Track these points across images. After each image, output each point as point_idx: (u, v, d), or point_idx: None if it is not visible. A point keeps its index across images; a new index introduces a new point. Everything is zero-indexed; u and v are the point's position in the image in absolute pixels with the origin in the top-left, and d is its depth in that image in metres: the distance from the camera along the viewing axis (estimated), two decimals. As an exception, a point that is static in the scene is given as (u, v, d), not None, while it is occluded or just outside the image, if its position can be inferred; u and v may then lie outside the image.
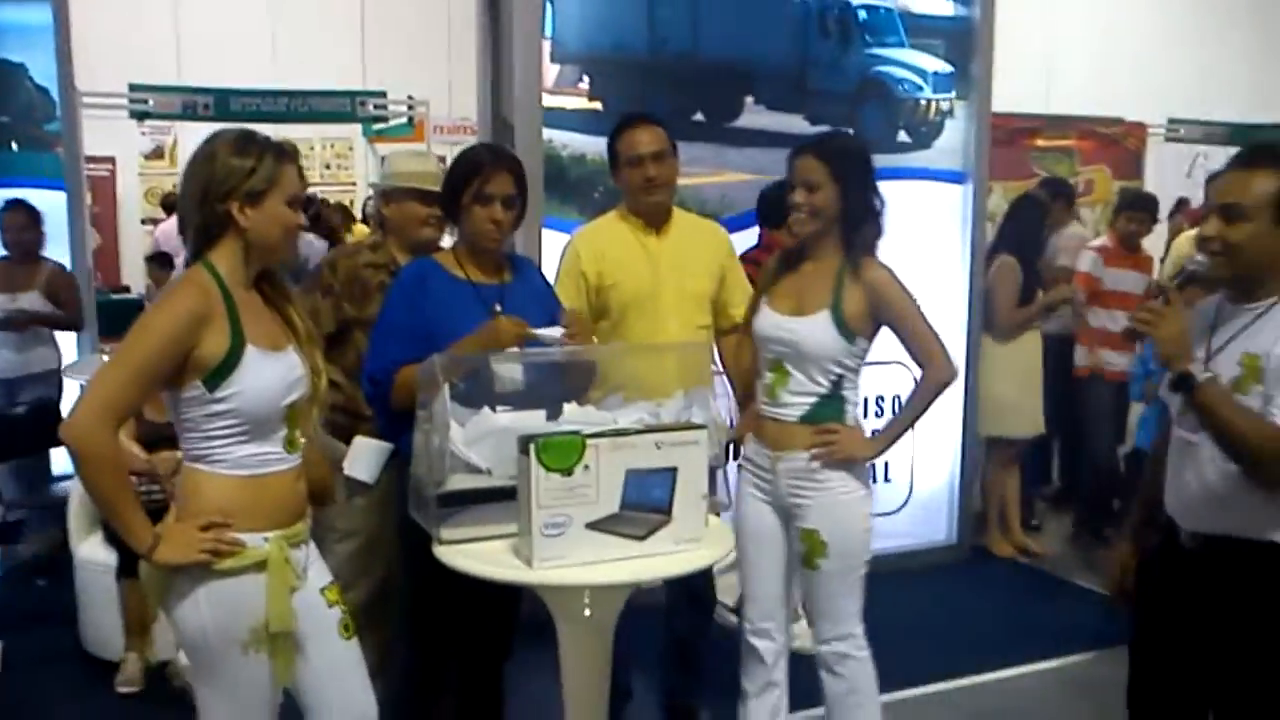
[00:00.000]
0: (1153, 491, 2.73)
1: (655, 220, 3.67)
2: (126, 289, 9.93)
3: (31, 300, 5.88)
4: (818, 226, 3.06)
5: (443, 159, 6.99)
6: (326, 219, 7.90)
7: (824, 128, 5.06)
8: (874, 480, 5.27)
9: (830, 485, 3.09)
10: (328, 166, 10.07)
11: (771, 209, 4.24)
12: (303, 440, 2.52)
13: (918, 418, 3.20)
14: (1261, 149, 2.50)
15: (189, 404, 2.36)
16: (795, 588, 3.33)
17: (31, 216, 6.00)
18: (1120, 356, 5.80)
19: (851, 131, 5.16)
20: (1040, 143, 10.64)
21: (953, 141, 5.54)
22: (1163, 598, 2.65)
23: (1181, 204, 10.40)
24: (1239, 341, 2.48)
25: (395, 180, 3.62)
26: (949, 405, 5.39)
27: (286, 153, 2.46)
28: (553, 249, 4.23)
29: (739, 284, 3.75)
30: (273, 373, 2.40)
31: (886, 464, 5.49)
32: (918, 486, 5.66)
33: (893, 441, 3.21)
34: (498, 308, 3.06)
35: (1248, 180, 2.43)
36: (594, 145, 4.75)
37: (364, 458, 3.47)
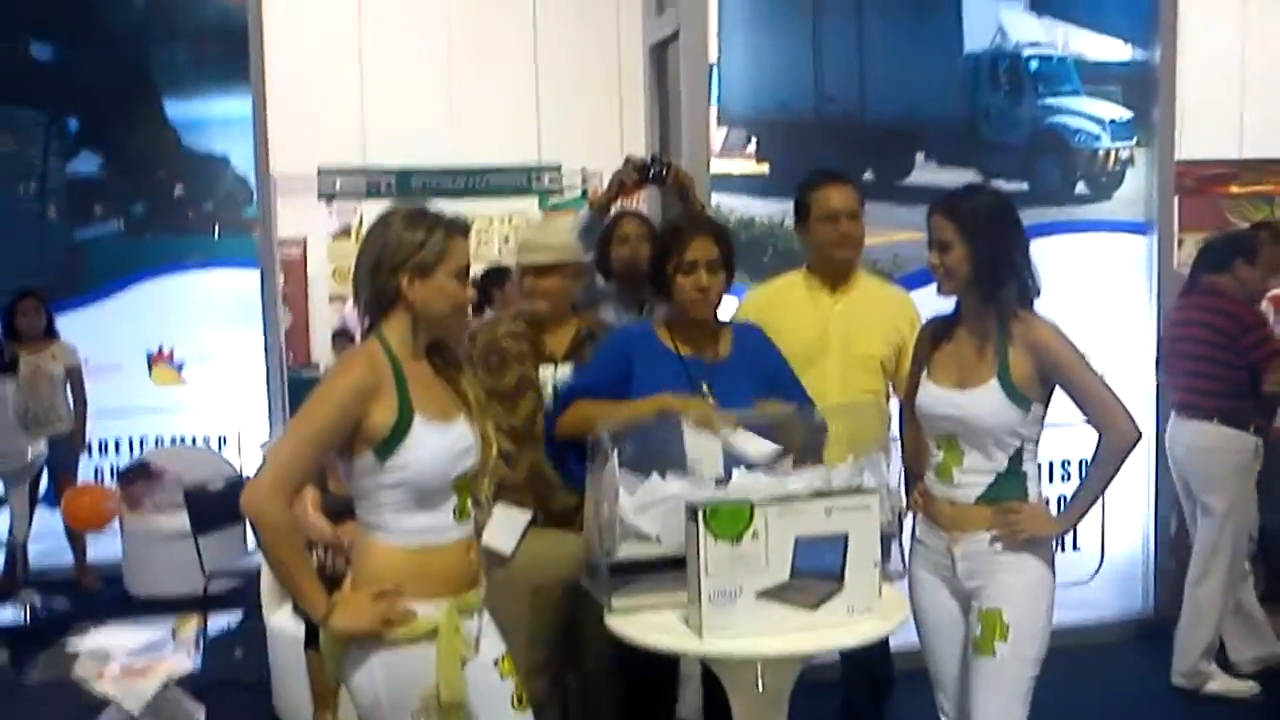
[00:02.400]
0: None
1: (837, 279, 3.63)
2: (316, 366, 10.34)
3: None
4: (954, 288, 2.91)
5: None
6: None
7: (999, 182, 4.96)
8: (1061, 549, 5.07)
9: (1014, 565, 2.87)
10: (506, 240, 10.31)
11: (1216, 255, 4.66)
12: (474, 509, 2.55)
13: (1105, 486, 2.97)
14: None
15: (361, 473, 2.42)
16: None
17: None
18: None
19: (1026, 185, 5.04)
20: (1235, 189, 10.16)
21: (1135, 191, 5.32)
22: None
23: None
24: None
25: (518, 254, 3.59)
26: (1138, 466, 5.14)
27: (458, 227, 2.50)
28: (724, 315, 4.22)
29: None
30: (441, 443, 2.43)
31: (1076, 531, 5.25)
32: (1109, 554, 5.40)
33: (1080, 515, 3.02)
34: (704, 388, 3.03)
35: None
36: (762, 208, 4.76)
37: (504, 527, 3.41)
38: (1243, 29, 11.40)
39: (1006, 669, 2.86)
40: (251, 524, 2.37)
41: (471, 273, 2.60)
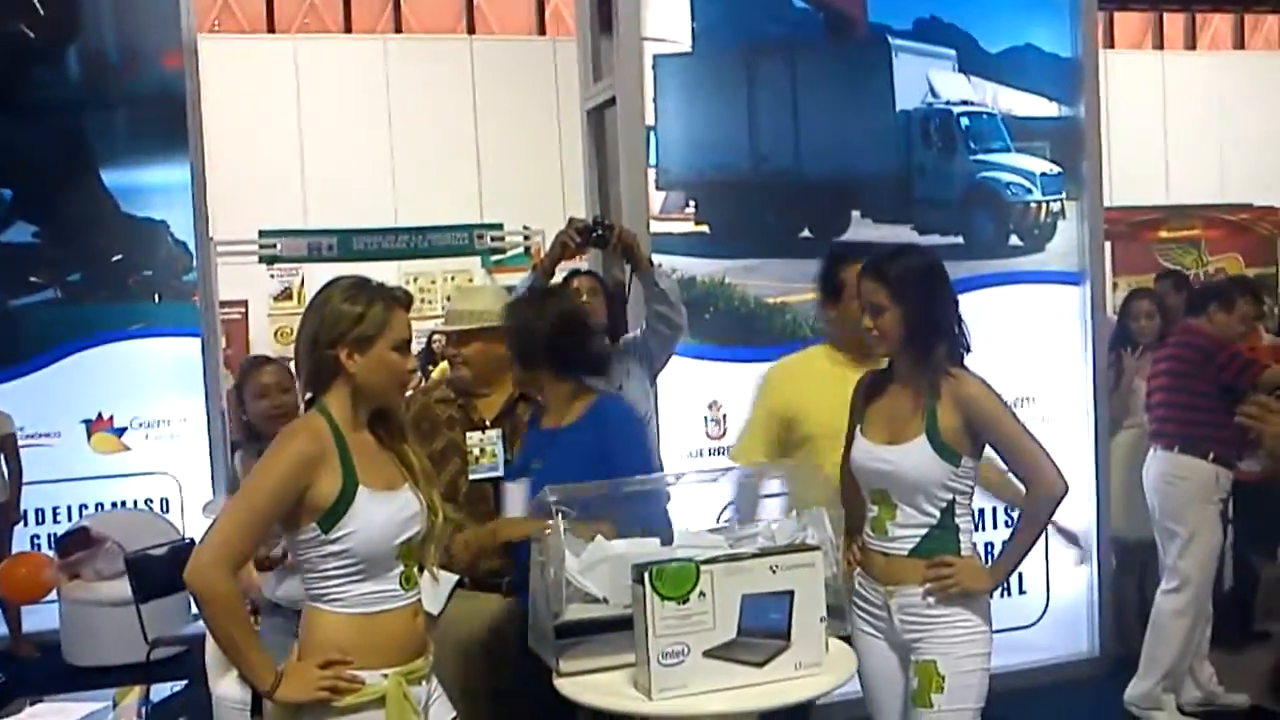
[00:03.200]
0: None
1: (864, 356, 3.38)
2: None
3: None
4: (891, 348, 2.96)
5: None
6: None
7: (933, 237, 5.06)
8: (1006, 593, 5.12)
9: (949, 619, 2.91)
10: (448, 298, 10.35)
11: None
12: (421, 577, 2.56)
13: (1035, 540, 3.03)
14: None
15: (305, 546, 2.42)
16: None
17: None
18: None
19: (961, 239, 5.14)
20: (1164, 234, 10.43)
21: (1067, 242, 5.43)
22: None
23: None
24: None
25: (464, 321, 3.58)
26: (1082, 510, 5.22)
27: (398, 299, 2.52)
28: (669, 373, 4.30)
29: None
30: (385, 513, 2.44)
31: (1021, 575, 5.31)
32: (1054, 596, 5.47)
33: (1013, 568, 3.07)
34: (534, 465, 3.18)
35: None
36: (703, 268, 4.82)
37: (430, 589, 3.41)
38: (1162, 84, 11.79)
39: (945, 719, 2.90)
40: (195, 598, 2.37)
41: (413, 344, 2.62)
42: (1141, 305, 5.78)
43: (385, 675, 2.42)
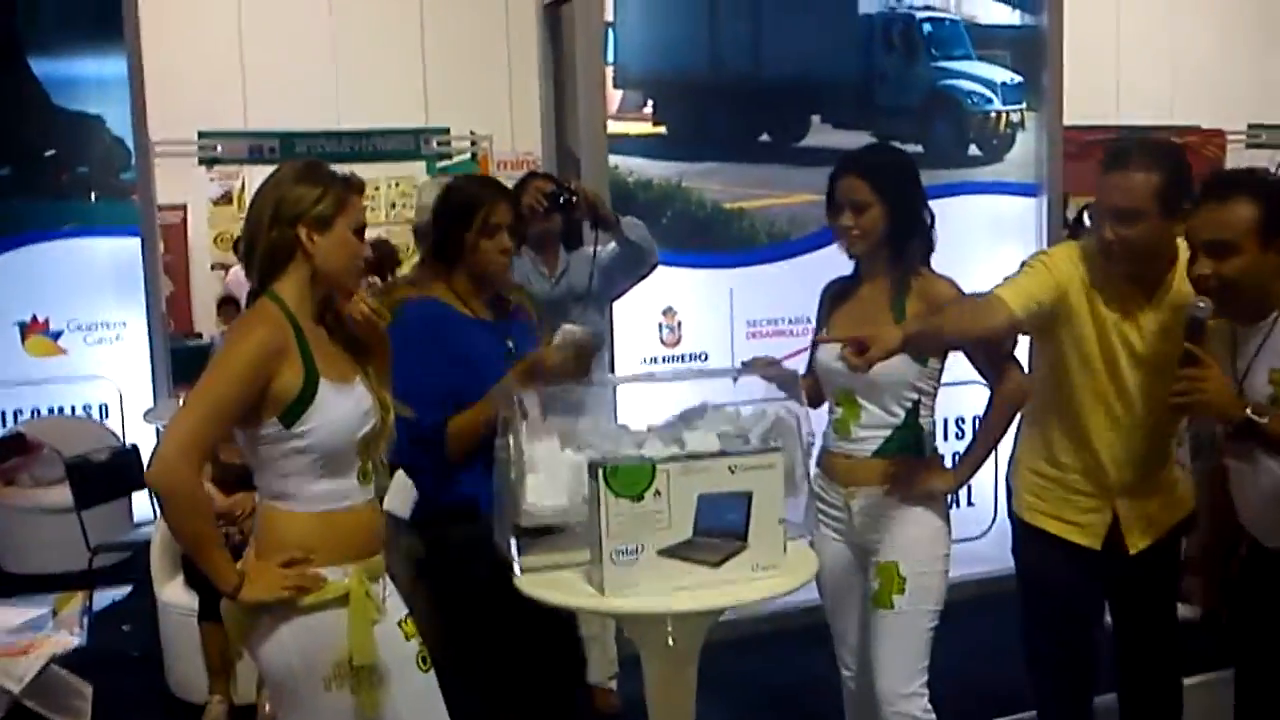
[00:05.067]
0: (1223, 514, 2.74)
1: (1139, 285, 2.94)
2: (199, 335, 10.07)
3: None
4: (869, 247, 2.95)
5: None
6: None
7: (894, 144, 4.99)
8: (956, 505, 5.14)
9: (909, 519, 2.94)
10: (394, 205, 10.14)
11: None
12: (375, 473, 2.50)
13: (997, 441, 3.03)
14: (1227, 180, 2.58)
15: (266, 442, 2.35)
16: None
17: None
18: None
19: (920, 148, 5.08)
20: (1114, 154, 10.42)
21: (1025, 154, 5.41)
22: (1263, 610, 2.62)
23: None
24: (1262, 359, 2.51)
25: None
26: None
27: (352, 184, 2.46)
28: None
29: None
30: (346, 406, 2.39)
31: (970, 487, 5.33)
32: (1003, 509, 5.50)
33: (974, 470, 3.08)
34: (510, 344, 3.06)
35: (1227, 213, 2.47)
36: (660, 170, 4.74)
37: (404, 492, 3.26)
38: (1118, 3, 11.74)
39: (905, 621, 2.93)
40: (159, 497, 2.30)
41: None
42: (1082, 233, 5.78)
43: (347, 572, 2.39)
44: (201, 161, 8.25)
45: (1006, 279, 2.96)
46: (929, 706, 2.96)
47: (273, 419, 2.32)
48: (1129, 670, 3.18)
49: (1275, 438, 2.43)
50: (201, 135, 7.94)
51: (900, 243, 2.93)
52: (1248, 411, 2.41)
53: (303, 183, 2.39)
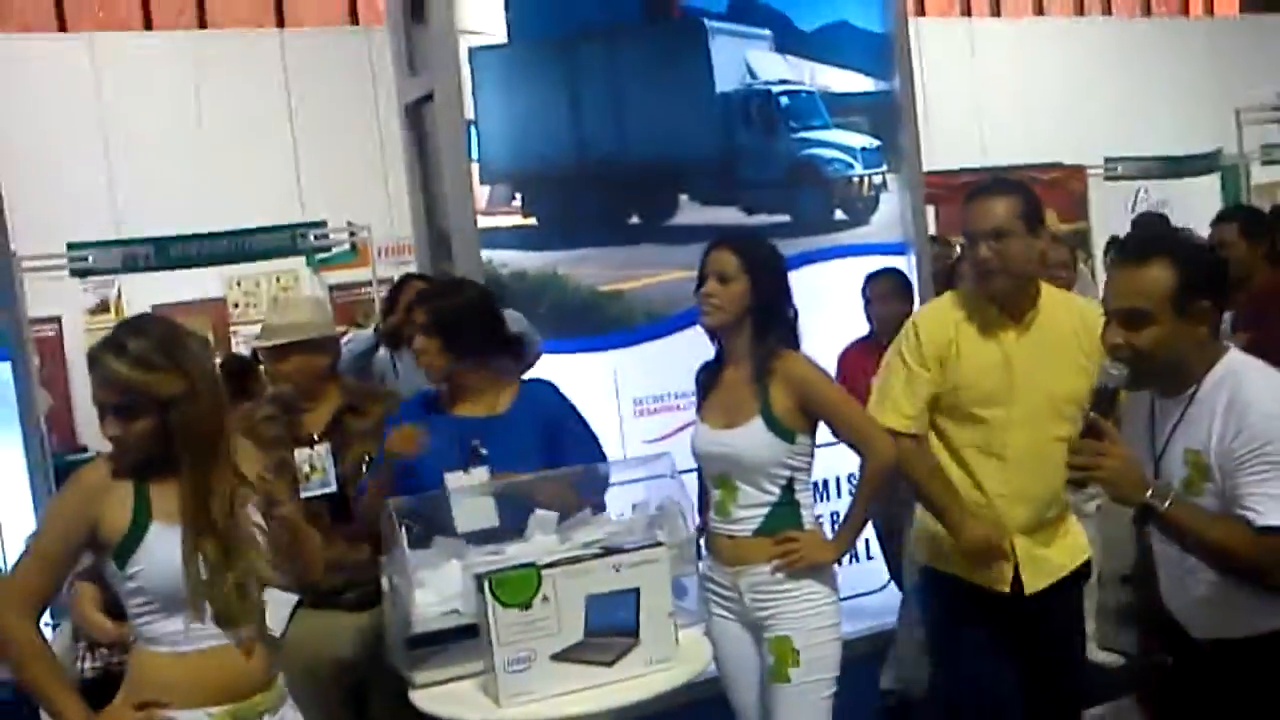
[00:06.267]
0: (1152, 603, 2.60)
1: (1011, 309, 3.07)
2: (84, 448, 9.80)
3: None
4: (725, 319, 3.01)
5: (385, 281, 6.98)
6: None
7: (761, 217, 5.11)
8: (855, 560, 5.22)
9: (799, 592, 2.99)
10: (275, 300, 10.05)
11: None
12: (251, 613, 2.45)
13: (868, 506, 3.11)
14: (1142, 240, 2.49)
15: (112, 580, 2.37)
16: None
17: None
18: None
19: (788, 217, 5.20)
20: (984, 196, 10.75)
21: (890, 214, 5.54)
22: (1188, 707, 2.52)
23: (1115, 241, 10.56)
24: (1179, 437, 2.36)
25: (279, 336, 3.43)
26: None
27: (93, 355, 2.36)
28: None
29: None
30: (178, 548, 2.34)
31: (866, 541, 5.42)
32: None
33: (854, 537, 3.16)
34: (476, 444, 3.04)
35: (1141, 278, 2.31)
36: (533, 260, 4.77)
37: (270, 611, 3.33)
38: (971, 50, 12.19)
39: (802, 693, 2.97)
40: None
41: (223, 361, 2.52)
42: (962, 266, 5.93)
43: (210, 715, 2.35)
44: (73, 273, 8.08)
45: (879, 391, 3.10)
46: None
47: (107, 559, 2.34)
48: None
49: (1174, 525, 2.26)
50: (71, 246, 7.79)
51: (762, 324, 3.00)
52: (1147, 495, 2.23)
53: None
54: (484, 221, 4.68)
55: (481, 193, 4.70)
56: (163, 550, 2.32)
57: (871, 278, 4.80)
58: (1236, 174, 11.26)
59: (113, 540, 2.32)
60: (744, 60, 5.20)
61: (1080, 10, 14.69)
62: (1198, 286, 2.30)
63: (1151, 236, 2.47)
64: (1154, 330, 2.29)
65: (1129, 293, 2.32)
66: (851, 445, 3.06)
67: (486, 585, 2.46)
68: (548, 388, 3.34)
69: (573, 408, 3.32)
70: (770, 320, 3.01)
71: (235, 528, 2.41)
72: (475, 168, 4.67)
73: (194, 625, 2.36)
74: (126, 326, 2.42)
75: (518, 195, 4.79)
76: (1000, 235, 2.94)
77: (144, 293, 9.21)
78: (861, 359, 4.32)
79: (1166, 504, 2.23)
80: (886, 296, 4.69)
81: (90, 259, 7.86)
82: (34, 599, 2.30)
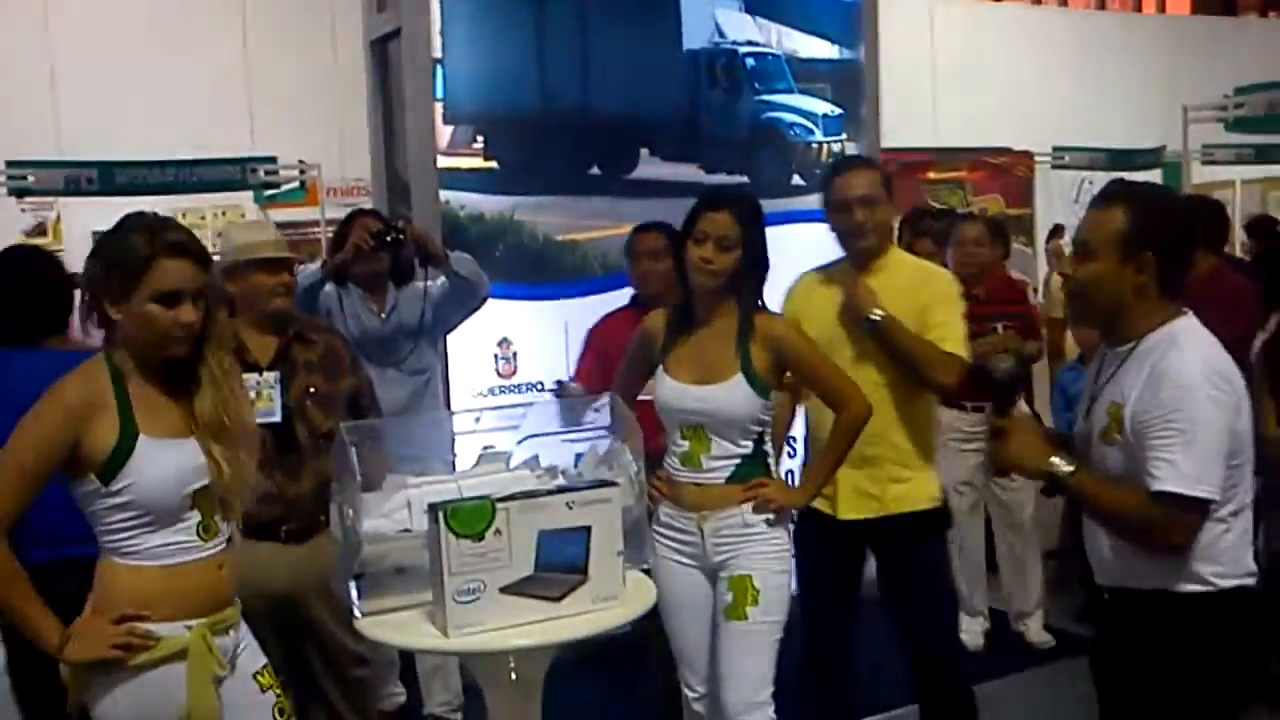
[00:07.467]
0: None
1: (863, 265, 3.45)
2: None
3: None
4: (719, 284, 3.06)
5: (333, 222, 6.91)
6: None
7: (720, 176, 5.12)
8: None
9: (762, 536, 3.08)
10: (220, 235, 9.91)
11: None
12: (225, 526, 2.47)
13: (841, 458, 3.20)
14: (1118, 185, 2.51)
15: (88, 498, 2.32)
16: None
17: None
18: None
19: (746, 179, 5.22)
20: (932, 175, 10.85)
21: (846, 182, 5.58)
22: (1104, 653, 2.63)
23: (1058, 229, 10.74)
24: (1110, 388, 2.46)
25: (237, 255, 3.39)
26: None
27: (167, 245, 2.33)
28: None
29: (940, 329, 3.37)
30: (169, 461, 2.35)
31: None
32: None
33: (819, 487, 3.25)
34: None
35: (1098, 217, 2.43)
36: (491, 204, 4.76)
37: None
38: (930, 30, 12.27)
39: (758, 632, 3.06)
40: None
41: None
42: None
43: (188, 627, 2.35)
44: (11, 192, 7.91)
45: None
46: (774, 718, 3.08)
47: (90, 476, 2.30)
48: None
49: (1077, 495, 2.43)
50: (10, 164, 7.62)
51: (749, 284, 3.09)
52: (1049, 464, 2.39)
53: (103, 249, 2.36)
54: (443, 161, 4.66)
55: (444, 133, 4.68)
56: (154, 462, 2.31)
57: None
58: (1178, 171, 11.45)
59: (98, 456, 2.28)
60: (713, 18, 5.21)
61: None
62: (1144, 236, 2.39)
63: (1128, 183, 2.53)
64: (1095, 266, 2.42)
65: (1084, 227, 2.48)
66: (827, 400, 3.17)
67: (441, 515, 2.47)
68: None
69: None
70: (756, 281, 3.10)
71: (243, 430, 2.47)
72: (439, 107, 4.64)
73: (178, 538, 2.36)
74: (163, 220, 2.38)
75: (480, 138, 4.77)
76: (868, 201, 3.37)
77: (84, 218, 9.01)
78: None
79: (1067, 470, 2.38)
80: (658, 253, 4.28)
81: (30, 179, 7.69)
82: (4, 521, 2.26)
